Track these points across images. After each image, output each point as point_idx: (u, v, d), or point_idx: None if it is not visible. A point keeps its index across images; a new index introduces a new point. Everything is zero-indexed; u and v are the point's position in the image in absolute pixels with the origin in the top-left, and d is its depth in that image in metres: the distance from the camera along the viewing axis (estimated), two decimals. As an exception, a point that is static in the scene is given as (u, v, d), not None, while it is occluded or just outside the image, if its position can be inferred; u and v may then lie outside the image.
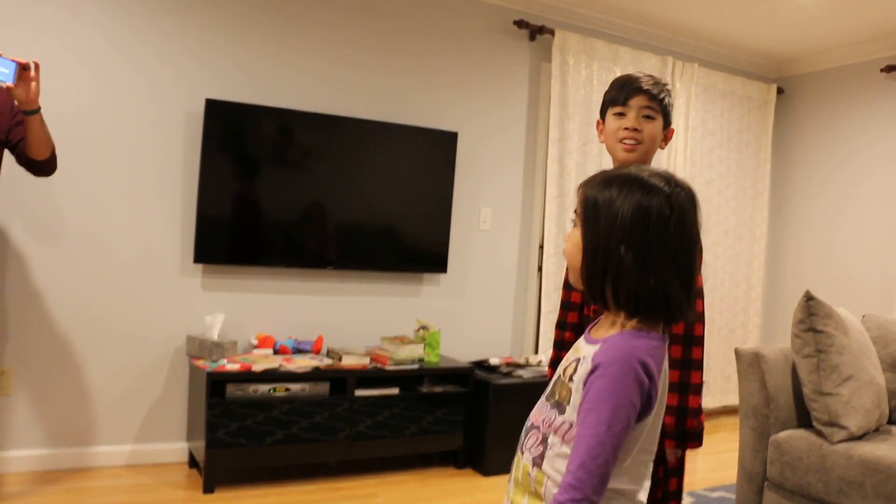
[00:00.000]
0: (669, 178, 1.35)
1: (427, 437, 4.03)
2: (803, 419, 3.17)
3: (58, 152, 3.19)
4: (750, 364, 3.23)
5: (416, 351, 4.07)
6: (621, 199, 1.31)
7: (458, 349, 4.64)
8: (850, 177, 5.49)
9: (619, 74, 5.08)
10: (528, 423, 1.45)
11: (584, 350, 1.37)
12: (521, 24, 4.74)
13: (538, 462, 1.36)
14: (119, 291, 3.80)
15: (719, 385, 5.76)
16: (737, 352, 3.31)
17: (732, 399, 5.72)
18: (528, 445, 1.41)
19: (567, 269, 1.68)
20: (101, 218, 3.74)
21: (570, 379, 1.36)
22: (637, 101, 1.98)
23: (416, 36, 4.49)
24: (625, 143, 1.98)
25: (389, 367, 3.94)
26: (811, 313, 3.08)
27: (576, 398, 1.32)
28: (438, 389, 4.07)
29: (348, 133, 4.18)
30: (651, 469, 1.40)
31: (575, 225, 1.40)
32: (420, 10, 4.50)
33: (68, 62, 3.64)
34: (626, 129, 1.98)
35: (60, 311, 3.68)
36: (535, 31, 4.78)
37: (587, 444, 1.25)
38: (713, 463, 4.52)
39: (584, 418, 1.28)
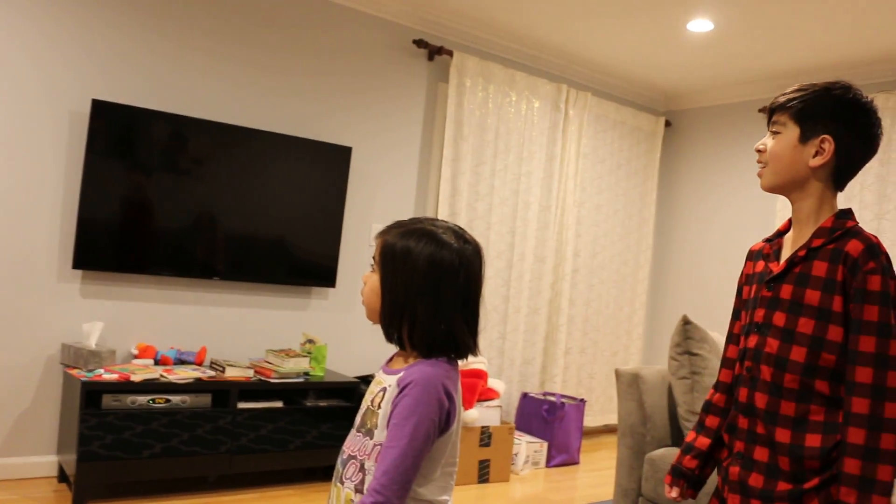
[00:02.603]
0: (459, 234, 1.50)
1: (311, 452, 3.98)
2: (677, 438, 3.29)
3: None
4: (629, 384, 3.33)
5: (302, 364, 4.03)
6: (417, 251, 1.45)
7: (345, 364, 4.61)
8: (730, 208, 5.76)
9: (514, 99, 5.29)
10: (342, 456, 1.55)
11: (386, 380, 1.50)
12: (420, 43, 4.79)
13: (360, 488, 1.46)
14: (-10, 295, 3.62)
15: (601, 405, 5.92)
16: (617, 372, 3.41)
17: (613, 418, 5.88)
18: (347, 475, 1.50)
19: None
20: (-27, 217, 3.56)
21: (379, 406, 1.48)
22: (772, 121, 1.73)
23: (314, 50, 4.47)
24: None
25: (274, 380, 3.88)
26: (687, 337, 3.21)
27: (383, 421, 1.46)
28: (323, 403, 4.04)
29: (242, 143, 4.12)
30: (455, 479, 1.53)
31: (373, 269, 1.53)
32: (320, 24, 4.49)
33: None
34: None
35: (-77, 313, 3.48)
36: (434, 52, 4.84)
37: (391, 455, 1.39)
38: (592, 479, 4.63)
39: (390, 432, 1.42)
